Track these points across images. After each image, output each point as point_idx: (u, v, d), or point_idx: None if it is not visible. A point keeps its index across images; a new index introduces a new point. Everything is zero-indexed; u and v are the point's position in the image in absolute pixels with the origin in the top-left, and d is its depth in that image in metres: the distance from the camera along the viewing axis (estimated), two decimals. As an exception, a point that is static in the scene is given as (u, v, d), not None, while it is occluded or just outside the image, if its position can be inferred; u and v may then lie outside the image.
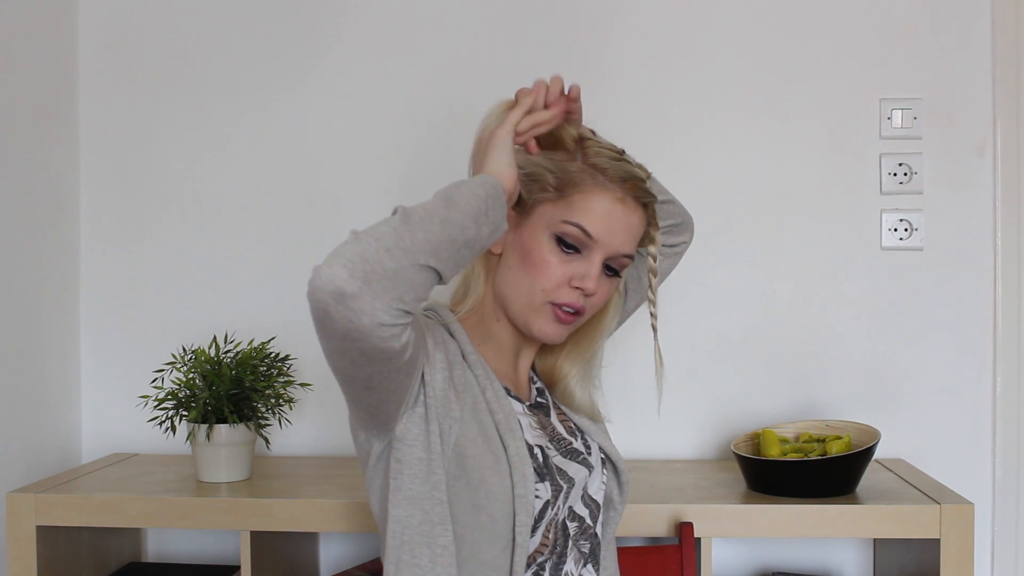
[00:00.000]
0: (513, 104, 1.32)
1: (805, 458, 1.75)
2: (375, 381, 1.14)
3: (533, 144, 1.32)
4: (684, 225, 1.52)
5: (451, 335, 1.31)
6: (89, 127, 2.19)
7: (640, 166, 1.32)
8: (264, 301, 2.14)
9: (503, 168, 1.24)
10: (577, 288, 1.28)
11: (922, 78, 2.07)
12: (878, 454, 2.02)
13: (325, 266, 1.05)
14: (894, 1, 2.08)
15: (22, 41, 2.00)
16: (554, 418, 1.38)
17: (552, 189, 1.28)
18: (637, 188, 1.29)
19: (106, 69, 2.19)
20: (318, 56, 2.15)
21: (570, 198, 1.27)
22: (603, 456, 1.40)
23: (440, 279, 1.14)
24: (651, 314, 1.39)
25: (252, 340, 1.93)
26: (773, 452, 1.82)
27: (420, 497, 1.21)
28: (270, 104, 2.16)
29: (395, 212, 1.13)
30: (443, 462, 1.21)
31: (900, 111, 2.06)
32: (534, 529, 1.26)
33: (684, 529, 1.68)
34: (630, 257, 1.32)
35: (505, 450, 1.23)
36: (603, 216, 1.27)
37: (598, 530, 1.37)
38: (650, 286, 1.38)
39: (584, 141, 1.31)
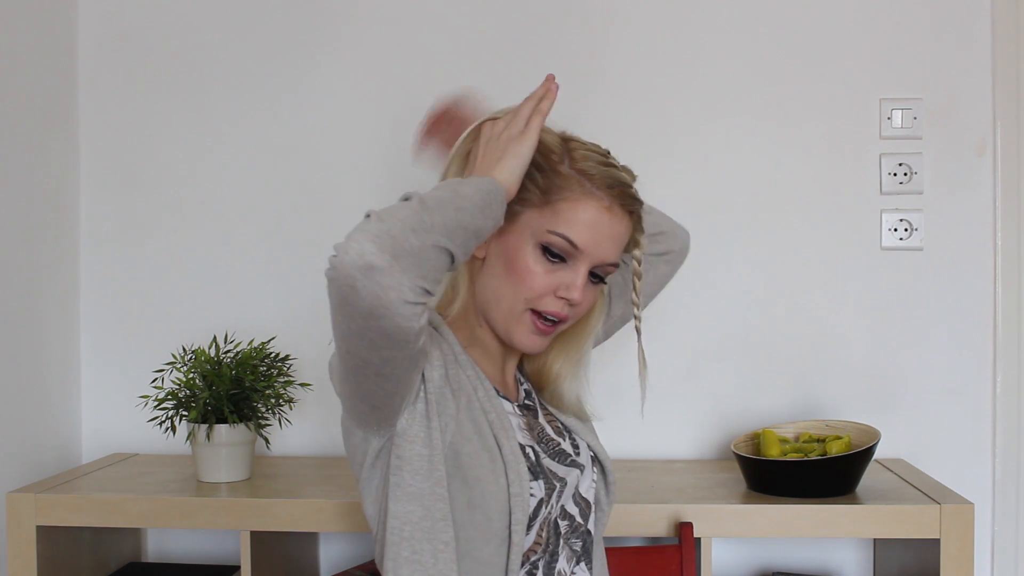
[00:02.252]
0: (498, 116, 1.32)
1: (805, 458, 1.75)
2: (388, 368, 1.14)
3: None
4: (669, 234, 1.51)
5: (441, 337, 1.31)
6: (89, 127, 2.19)
7: (626, 168, 1.30)
8: (264, 301, 2.15)
9: (512, 180, 1.23)
10: (562, 298, 1.27)
11: (922, 78, 2.07)
12: (878, 454, 2.02)
13: (352, 242, 1.06)
14: (894, 1, 2.08)
15: (22, 41, 2.00)
16: (542, 419, 1.38)
17: (539, 192, 1.26)
18: (624, 195, 1.27)
19: (106, 69, 2.19)
20: (318, 56, 2.15)
21: (556, 205, 1.25)
22: (592, 455, 1.40)
23: (452, 263, 1.15)
24: (635, 316, 1.38)
25: (252, 340, 1.93)
26: (773, 452, 1.82)
27: (421, 493, 1.21)
28: (270, 104, 2.16)
29: (407, 198, 1.14)
30: (443, 459, 1.21)
31: (900, 111, 2.06)
32: (528, 527, 1.26)
33: (684, 529, 1.68)
34: (615, 265, 1.31)
35: (500, 449, 1.24)
36: (589, 226, 1.25)
37: (590, 527, 1.38)
38: (634, 289, 1.37)
39: (569, 143, 1.29)
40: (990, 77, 2.06)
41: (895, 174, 2.07)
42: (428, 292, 1.10)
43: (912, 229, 2.07)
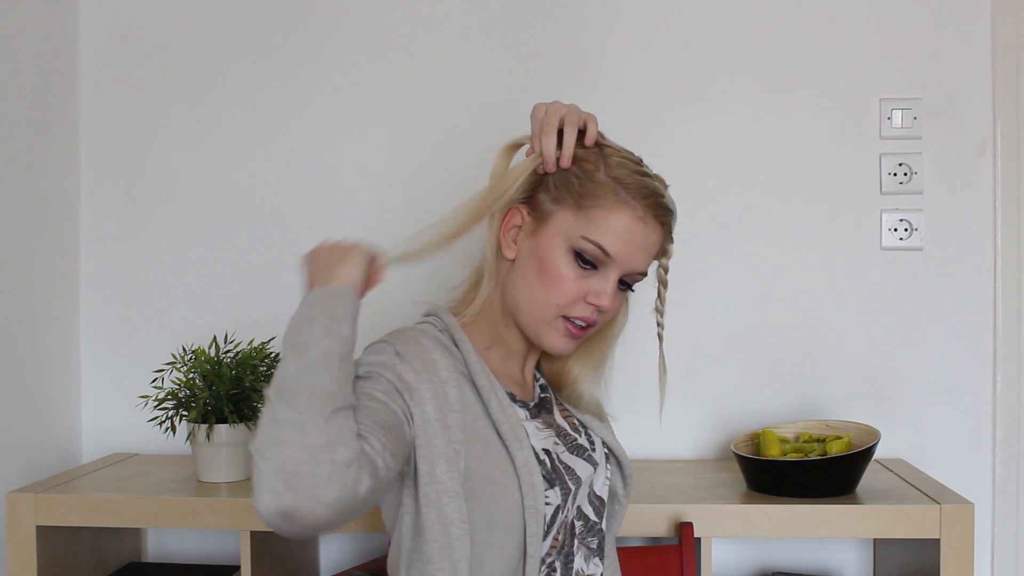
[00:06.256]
0: (516, 145, 1.32)
1: (805, 458, 1.75)
2: (378, 500, 1.13)
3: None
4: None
5: (454, 343, 1.29)
6: (89, 127, 2.19)
7: (659, 178, 1.31)
8: (264, 301, 2.14)
9: (342, 275, 1.16)
10: (591, 304, 1.27)
11: (922, 78, 2.07)
12: (878, 454, 2.02)
13: (257, 502, 1.00)
14: (894, 1, 2.08)
15: (22, 41, 2.00)
16: (557, 414, 1.38)
17: (573, 196, 1.26)
18: (658, 206, 1.27)
19: (106, 69, 2.19)
20: (318, 55, 2.15)
21: (590, 211, 1.25)
22: (606, 451, 1.40)
23: (352, 408, 1.07)
24: (657, 323, 1.39)
25: (252, 340, 1.93)
26: (773, 452, 1.82)
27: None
28: (270, 104, 2.16)
29: (266, 400, 1.06)
30: (455, 487, 1.20)
31: (900, 111, 2.06)
32: (546, 535, 1.25)
33: (684, 529, 1.68)
34: (644, 273, 1.31)
35: (512, 462, 1.22)
36: (623, 235, 1.25)
37: (603, 525, 1.38)
38: (659, 296, 1.38)
39: (604, 149, 1.29)
40: (990, 77, 2.06)
41: (895, 174, 2.07)
42: (348, 464, 1.01)
43: (912, 229, 2.07)
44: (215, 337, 1.90)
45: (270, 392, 1.05)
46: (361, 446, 1.05)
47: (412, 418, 1.19)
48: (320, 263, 1.20)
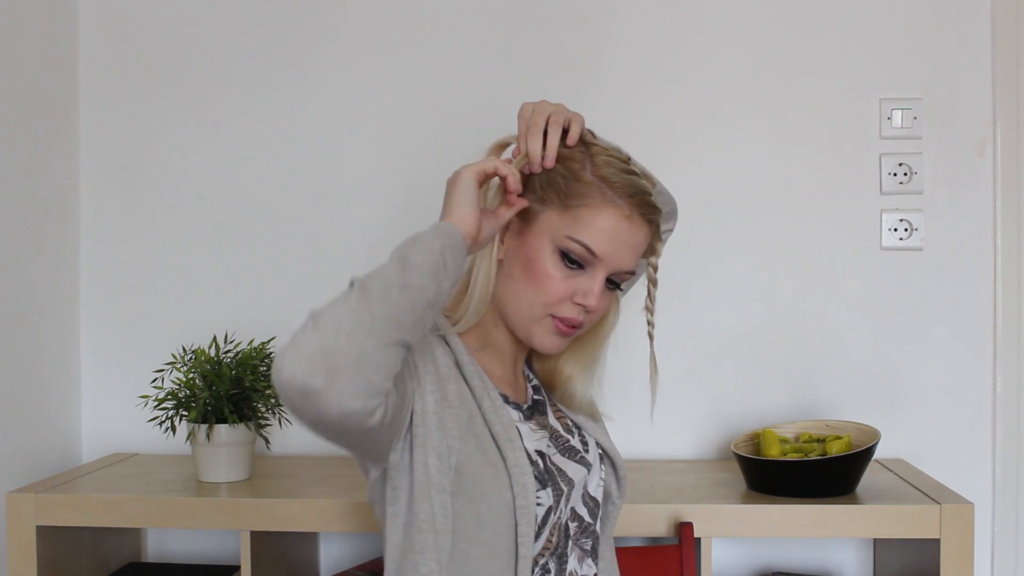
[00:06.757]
0: (503, 144, 1.32)
1: (805, 458, 1.75)
2: (356, 445, 1.15)
3: (513, 197, 1.27)
4: (670, 213, 1.51)
5: (447, 343, 1.29)
6: (89, 127, 2.19)
7: (646, 175, 1.30)
8: (264, 301, 2.14)
9: (465, 211, 1.19)
10: (579, 304, 1.27)
11: (922, 78, 2.07)
12: (878, 454, 2.02)
13: (287, 361, 1.01)
14: (894, 1, 2.08)
15: (22, 41, 2.00)
16: (551, 416, 1.38)
17: (559, 195, 1.26)
18: (644, 204, 1.27)
19: (106, 69, 2.19)
20: (319, 54, 2.15)
21: (576, 211, 1.25)
22: (600, 452, 1.40)
23: (408, 349, 1.10)
24: (648, 322, 1.38)
25: (252, 340, 1.93)
26: (773, 452, 1.82)
27: (407, 522, 1.22)
28: (271, 103, 2.16)
29: (352, 284, 1.08)
30: (443, 482, 1.20)
31: (900, 111, 2.06)
32: (538, 535, 1.25)
33: (684, 529, 1.68)
34: (632, 272, 1.31)
35: (504, 462, 1.23)
36: (609, 235, 1.25)
37: (597, 526, 1.38)
38: (648, 295, 1.37)
39: (590, 147, 1.28)
40: (990, 77, 2.06)
41: (895, 174, 2.07)
42: (378, 392, 1.05)
43: (912, 229, 2.07)
44: (215, 337, 1.90)
45: (356, 285, 1.07)
46: (393, 387, 1.09)
47: (413, 407, 1.20)
48: (459, 179, 1.21)
